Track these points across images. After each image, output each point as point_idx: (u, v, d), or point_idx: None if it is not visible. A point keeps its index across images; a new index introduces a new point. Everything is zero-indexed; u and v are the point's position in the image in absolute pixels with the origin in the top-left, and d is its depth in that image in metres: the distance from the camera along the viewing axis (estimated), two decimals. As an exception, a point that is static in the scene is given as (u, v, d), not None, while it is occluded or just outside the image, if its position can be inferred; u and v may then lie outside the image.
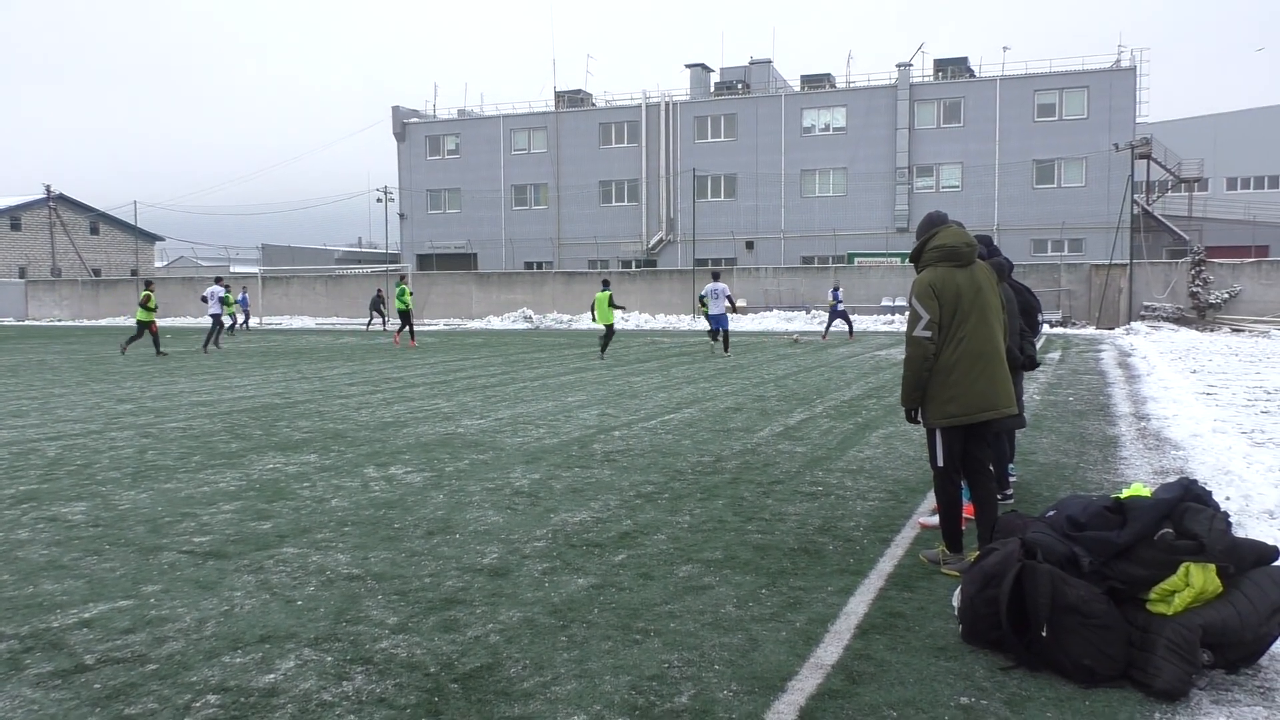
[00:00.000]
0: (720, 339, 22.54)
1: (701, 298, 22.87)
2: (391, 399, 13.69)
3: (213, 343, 26.29)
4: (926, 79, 51.73)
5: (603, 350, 21.64)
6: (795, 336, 29.78)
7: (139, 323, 23.85)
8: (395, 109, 61.31)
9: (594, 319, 22.65)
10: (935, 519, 5.69)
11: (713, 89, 56.81)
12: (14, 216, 67.43)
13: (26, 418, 12.05)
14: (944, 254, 5.19)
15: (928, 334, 5.08)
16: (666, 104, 55.24)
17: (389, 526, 6.34)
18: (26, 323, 51.41)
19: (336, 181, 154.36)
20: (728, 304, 22.48)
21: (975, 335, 5.11)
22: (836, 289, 28.02)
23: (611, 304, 21.39)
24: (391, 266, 50.47)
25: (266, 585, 5.10)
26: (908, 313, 5.22)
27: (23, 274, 64.60)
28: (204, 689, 3.80)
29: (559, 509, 6.80)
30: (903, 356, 7.04)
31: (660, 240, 55.12)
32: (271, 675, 3.92)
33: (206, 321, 35.60)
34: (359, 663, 4.04)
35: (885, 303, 38.57)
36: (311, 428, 10.85)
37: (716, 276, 23.67)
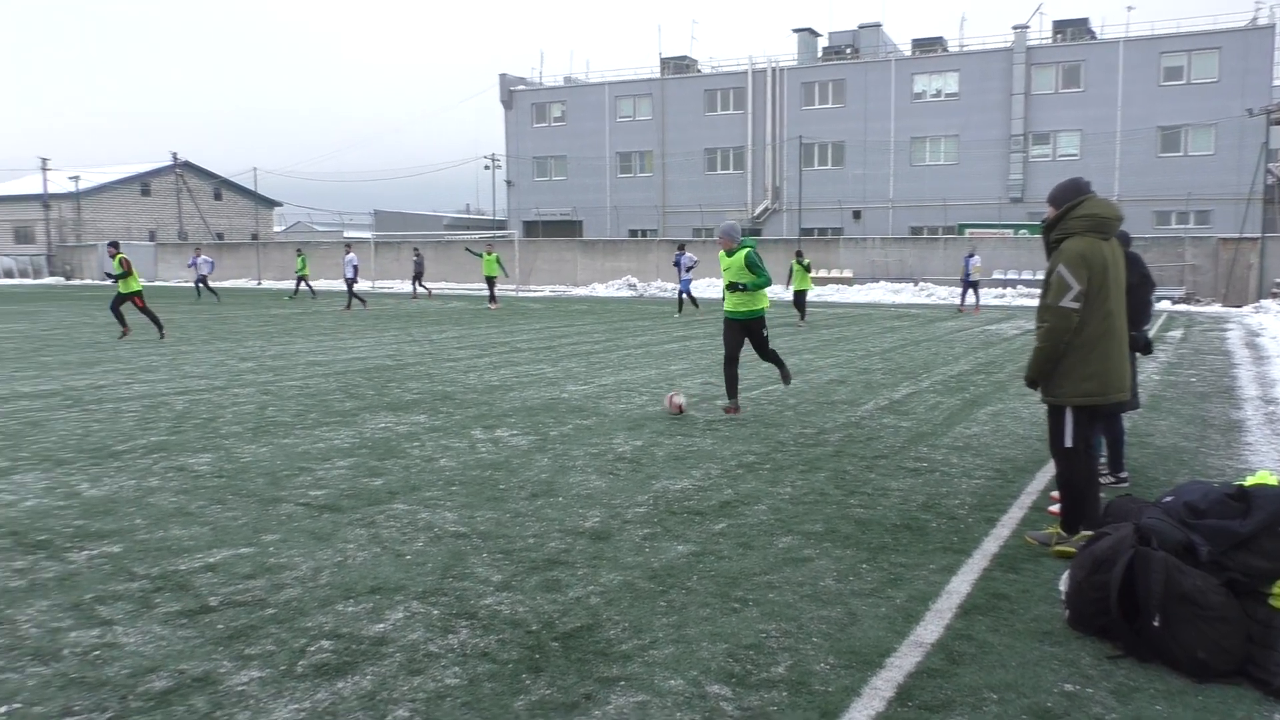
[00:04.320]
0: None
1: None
2: (498, 363, 13.97)
3: (349, 305, 27.50)
4: (1044, 41, 49.58)
5: (802, 316, 23.07)
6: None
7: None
8: (502, 77, 61.93)
9: (788, 285, 23.83)
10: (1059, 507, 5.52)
11: (820, 54, 55.65)
12: (144, 182, 70.87)
13: (157, 373, 12.71)
14: (1093, 224, 4.95)
15: (1076, 305, 4.85)
16: (773, 70, 54.38)
17: (494, 487, 6.50)
18: (156, 283, 54.01)
19: (446, 149, 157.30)
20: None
21: (1117, 312, 4.94)
22: (971, 255, 27.36)
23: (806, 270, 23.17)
24: (499, 233, 51.26)
25: (377, 539, 5.30)
26: (1052, 281, 4.95)
27: (152, 237, 67.80)
28: (318, 634, 3.98)
29: (660, 476, 6.86)
30: (1021, 329, 6.80)
31: (766, 209, 54.55)
32: (381, 625, 4.08)
33: (325, 285, 36.75)
34: (464, 617, 4.18)
35: (997, 275, 37.40)
36: (421, 389, 11.16)
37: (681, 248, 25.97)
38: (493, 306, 28.09)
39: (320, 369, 13.17)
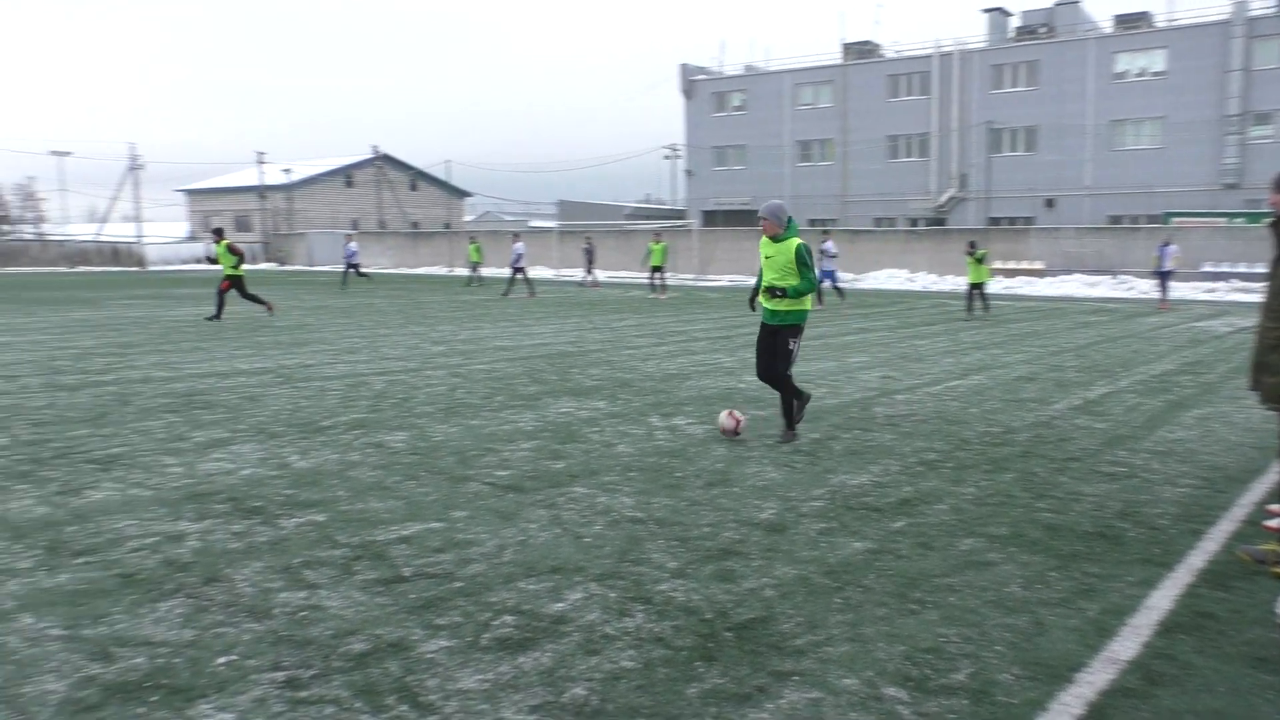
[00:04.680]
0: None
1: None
2: (676, 351, 14.10)
3: (531, 293, 28.33)
4: (1268, 11, 45.34)
5: (969, 309, 22.04)
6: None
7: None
8: (683, 67, 62.24)
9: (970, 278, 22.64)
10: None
11: (1012, 34, 53.03)
12: (348, 175, 75.67)
13: (358, 355, 13.54)
14: None
15: None
16: (960, 52, 52.27)
17: (671, 475, 6.58)
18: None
19: (628, 139, 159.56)
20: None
21: None
22: (1167, 244, 25.59)
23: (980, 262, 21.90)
24: (678, 222, 51.63)
25: (558, 520, 5.47)
26: None
27: (354, 226, 72.11)
28: (501, 609, 4.15)
29: (838, 470, 6.76)
30: (1234, 326, 6.29)
31: (951, 197, 52.60)
32: (560, 604, 4.22)
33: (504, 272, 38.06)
34: (640, 601, 4.26)
35: (1207, 268, 34.62)
36: (602, 375, 11.41)
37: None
38: (660, 296, 27.94)
39: (507, 354, 13.67)
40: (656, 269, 28.04)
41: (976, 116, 51.39)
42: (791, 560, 4.83)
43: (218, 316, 18.75)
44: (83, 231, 65.08)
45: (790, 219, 7.64)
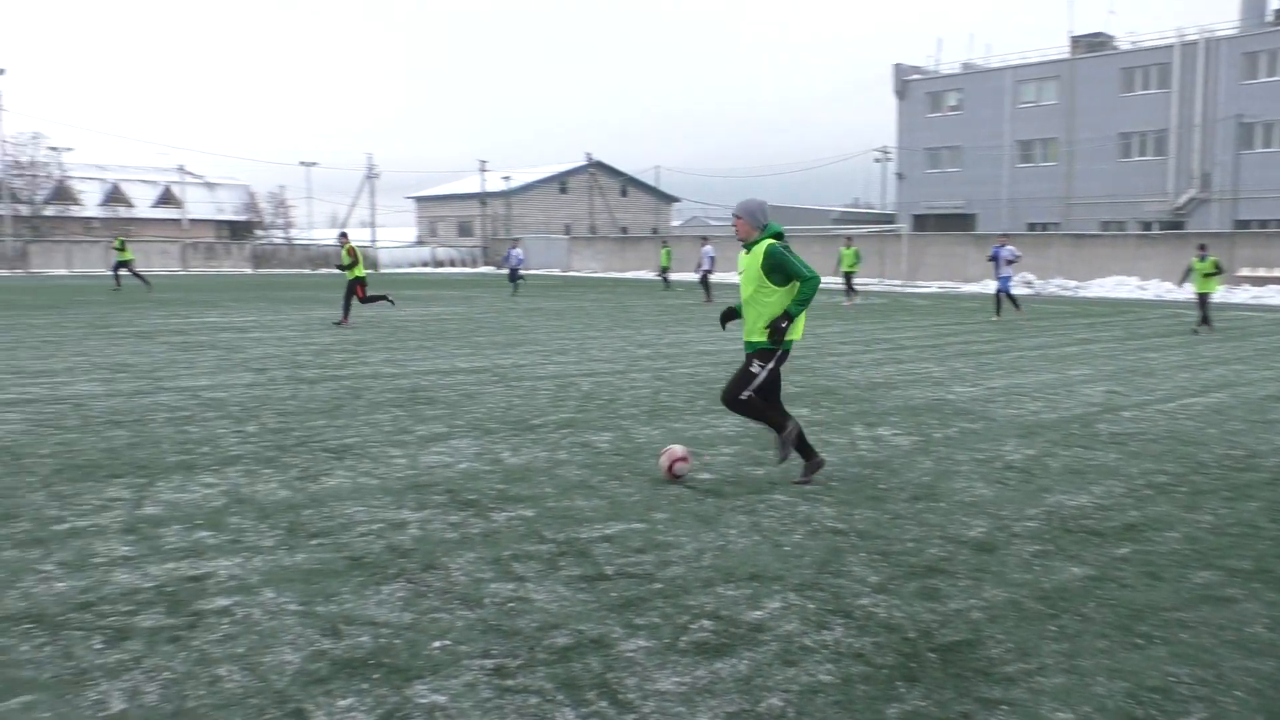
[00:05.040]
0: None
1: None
2: (882, 359, 13.75)
3: (709, 298, 28.31)
4: None
5: (1203, 321, 19.02)
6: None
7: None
8: (896, 66, 60.59)
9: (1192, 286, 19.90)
10: None
11: (1270, 17, 48.29)
12: (562, 181, 78.64)
13: (567, 355, 14.01)
14: None
15: None
16: (1207, 40, 48.12)
17: (874, 486, 6.42)
18: (570, 274, 59.41)
19: (836, 142, 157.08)
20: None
21: None
22: None
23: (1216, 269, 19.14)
24: (887, 227, 50.32)
25: (757, 527, 5.45)
26: None
27: (567, 231, 74.67)
28: (699, 613, 4.18)
29: (1054, 489, 6.38)
30: None
31: (1191, 199, 48.54)
32: (758, 612, 4.20)
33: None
34: (839, 615, 4.18)
35: None
36: (804, 383, 11.29)
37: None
38: (848, 303, 27.20)
39: (710, 358, 13.76)
40: (849, 274, 27.48)
41: (1224, 110, 47.19)
42: (1002, 582, 4.60)
43: (386, 299, 19.86)
44: (324, 236, 70.62)
45: (768, 222, 6.17)
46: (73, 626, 3.98)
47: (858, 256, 27.84)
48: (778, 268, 5.99)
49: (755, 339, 6.17)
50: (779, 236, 6.17)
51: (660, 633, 3.98)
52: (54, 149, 66.75)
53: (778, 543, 5.18)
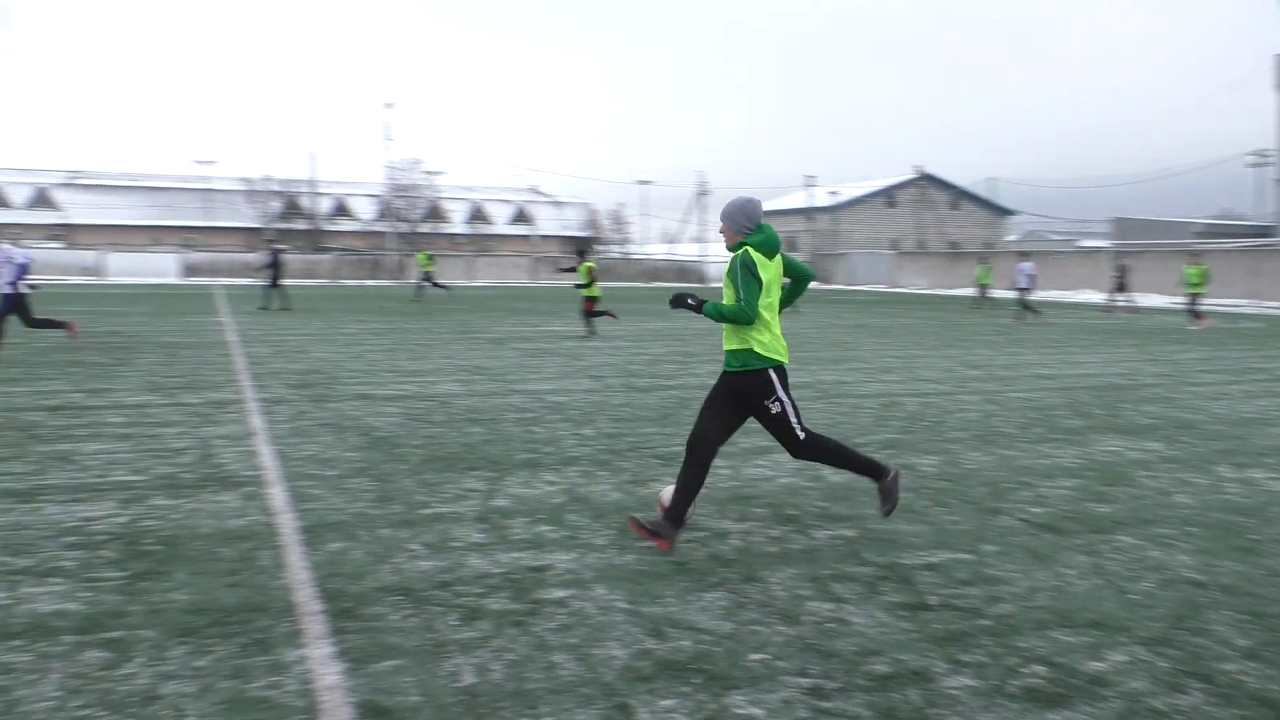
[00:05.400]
0: None
1: None
2: (1256, 392, 12.16)
3: (1021, 317, 26.19)
4: None
5: None
6: None
7: None
8: (1278, 58, 53.16)
9: None
10: None
11: None
12: (890, 195, 76.82)
13: (893, 374, 13.67)
14: None
15: None
16: None
17: (1243, 536, 5.70)
18: (895, 290, 57.92)
19: (1198, 147, 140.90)
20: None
21: None
22: None
23: None
24: (1263, 241, 44.36)
25: (1100, 570, 5.02)
26: None
27: (893, 246, 72.84)
28: (1031, 657, 3.92)
29: None
30: None
31: None
32: (1099, 664, 3.87)
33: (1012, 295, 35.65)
34: (1197, 678, 3.75)
35: None
36: (1158, 414, 10.24)
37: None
38: (1194, 326, 23.94)
39: (1047, 382, 12.86)
40: (1194, 295, 24.51)
41: None
42: None
43: (609, 314, 20.16)
44: (657, 251, 73.97)
45: (758, 225, 5.30)
46: (434, 603, 4.47)
47: (1204, 275, 24.94)
48: (733, 278, 5.22)
49: (732, 346, 5.36)
50: (766, 245, 5.28)
51: (987, 673, 3.78)
52: (429, 173, 75.39)
53: (1123, 589, 4.74)
